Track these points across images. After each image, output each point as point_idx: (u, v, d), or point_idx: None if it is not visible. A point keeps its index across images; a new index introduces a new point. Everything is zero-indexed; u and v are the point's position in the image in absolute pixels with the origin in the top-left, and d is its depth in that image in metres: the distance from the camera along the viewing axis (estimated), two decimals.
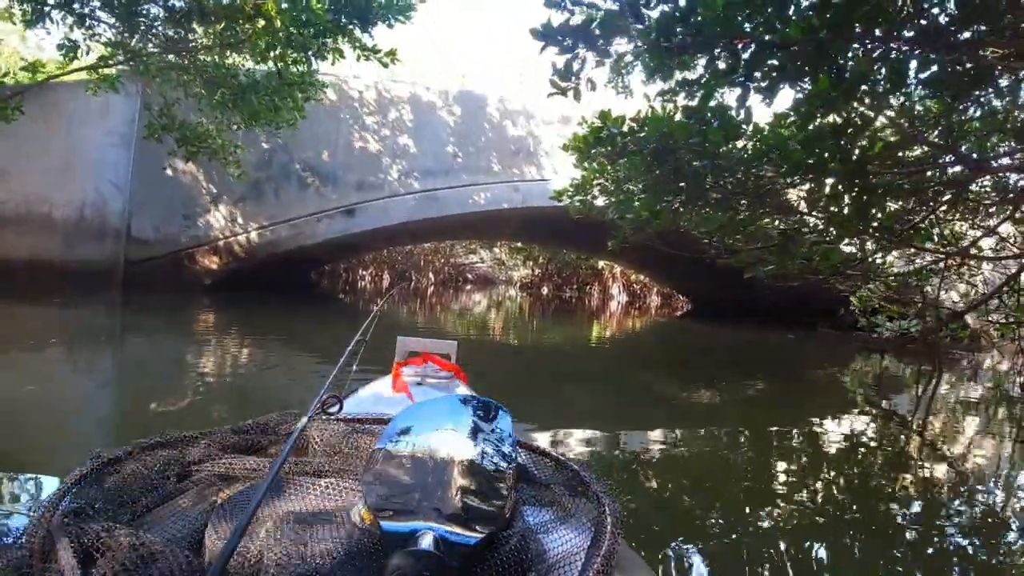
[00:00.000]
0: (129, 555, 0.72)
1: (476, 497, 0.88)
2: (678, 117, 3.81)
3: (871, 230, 4.21)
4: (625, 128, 4.16)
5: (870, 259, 5.51)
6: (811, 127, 3.40)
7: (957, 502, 2.96)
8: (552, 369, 6.56)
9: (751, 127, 3.81)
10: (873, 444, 4.01)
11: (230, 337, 6.64)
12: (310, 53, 7.67)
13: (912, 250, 5.69)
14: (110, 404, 3.79)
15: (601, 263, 22.53)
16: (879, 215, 4.10)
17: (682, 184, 4.13)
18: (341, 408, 1.26)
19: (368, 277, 21.30)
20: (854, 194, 3.72)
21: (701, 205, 4.43)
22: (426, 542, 0.77)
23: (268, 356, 5.66)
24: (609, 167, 4.83)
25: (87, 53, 8.07)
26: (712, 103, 3.62)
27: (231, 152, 9.22)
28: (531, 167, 11.71)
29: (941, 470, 3.50)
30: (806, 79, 3.09)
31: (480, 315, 12.98)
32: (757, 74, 2.88)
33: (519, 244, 24.66)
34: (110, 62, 8.34)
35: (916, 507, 2.85)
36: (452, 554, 0.77)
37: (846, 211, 3.95)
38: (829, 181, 3.83)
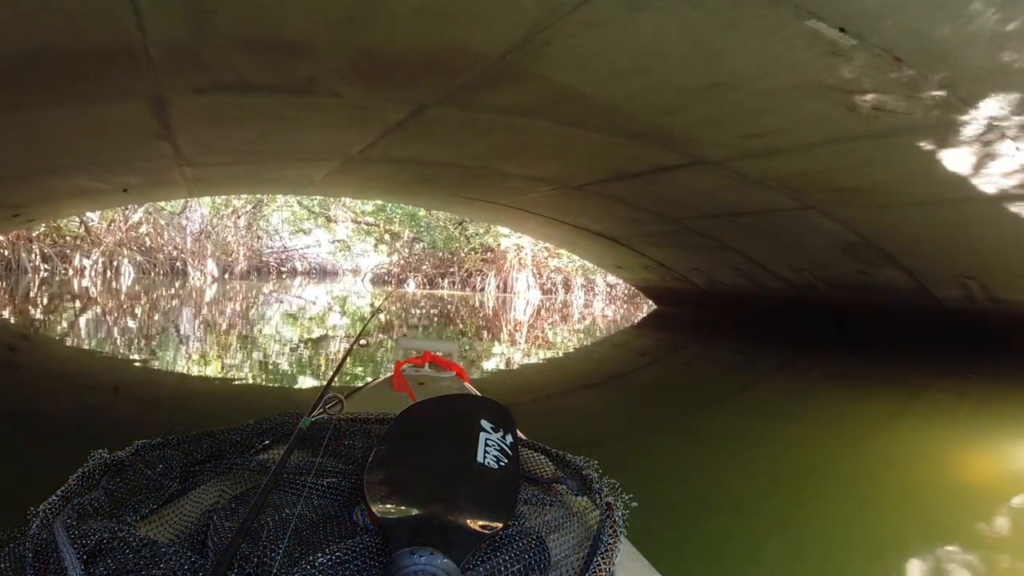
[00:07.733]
0: (132, 556, 0.72)
1: (478, 496, 0.89)
2: None
3: None
4: None
5: None
6: None
7: None
8: None
9: None
10: None
11: None
12: None
13: None
14: None
15: (503, 240, 14.50)
16: None
17: None
18: (343, 407, 1.19)
19: (91, 269, 11.93)
20: None
21: None
22: (429, 542, 0.75)
23: None
24: None
25: None
26: None
27: None
28: None
29: None
30: None
31: (277, 344, 6.13)
32: None
33: (369, 214, 16.28)
34: None
35: None
36: (454, 554, 0.74)
37: None
38: None
